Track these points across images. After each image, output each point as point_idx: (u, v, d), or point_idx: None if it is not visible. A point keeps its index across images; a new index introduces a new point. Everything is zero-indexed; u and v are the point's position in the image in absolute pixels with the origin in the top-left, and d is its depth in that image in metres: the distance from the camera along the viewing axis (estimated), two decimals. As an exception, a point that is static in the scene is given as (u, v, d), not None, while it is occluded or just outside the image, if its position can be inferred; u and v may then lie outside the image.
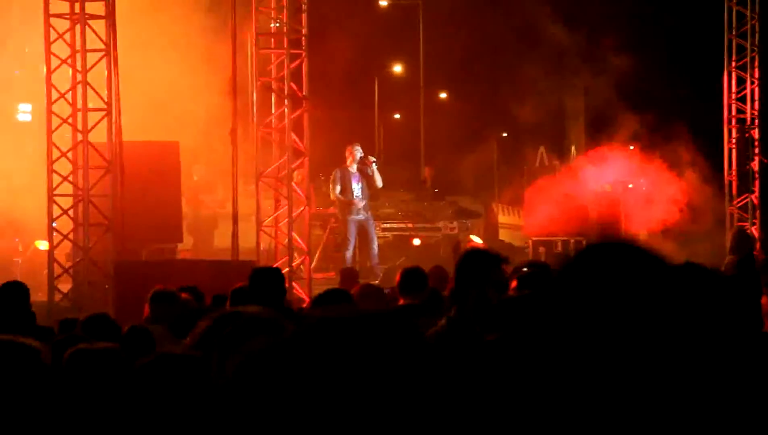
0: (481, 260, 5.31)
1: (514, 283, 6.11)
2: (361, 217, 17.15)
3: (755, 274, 9.11)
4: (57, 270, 13.36)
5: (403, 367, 1.50)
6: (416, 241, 19.11)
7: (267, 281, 7.34)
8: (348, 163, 17.22)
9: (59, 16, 13.12)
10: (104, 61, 13.09)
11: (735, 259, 11.89)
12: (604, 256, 1.84)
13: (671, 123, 20.52)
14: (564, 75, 27.30)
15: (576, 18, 24.46)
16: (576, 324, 1.76)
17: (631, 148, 23.14)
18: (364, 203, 17.19)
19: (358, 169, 17.24)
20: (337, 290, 7.21)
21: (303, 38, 15.44)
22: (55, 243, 13.35)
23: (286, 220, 15.47)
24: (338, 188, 17.12)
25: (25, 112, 19.28)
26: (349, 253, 16.99)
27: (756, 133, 18.32)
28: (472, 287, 5.12)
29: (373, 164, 17.43)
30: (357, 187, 17.09)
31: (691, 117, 20.48)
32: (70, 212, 13.23)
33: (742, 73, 18.21)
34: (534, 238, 20.05)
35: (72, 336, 6.06)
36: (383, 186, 17.99)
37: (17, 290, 8.50)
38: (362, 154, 17.38)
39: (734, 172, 18.34)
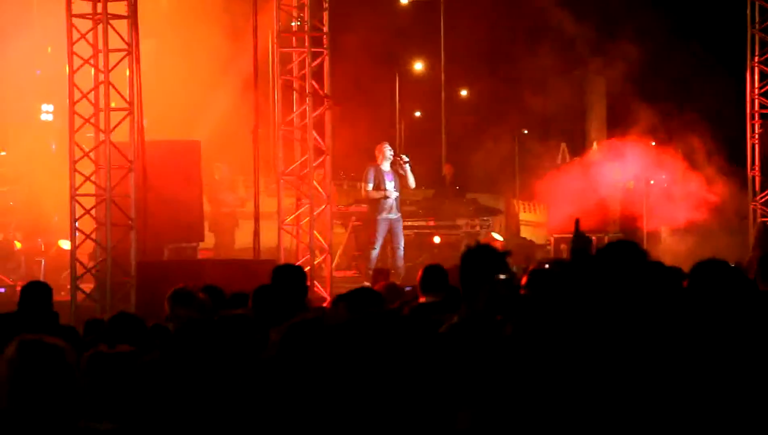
0: (484, 256, 5.30)
1: (524, 280, 6.09)
2: (392, 215, 17.01)
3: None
4: (80, 269, 13.40)
5: (410, 359, 1.82)
6: (436, 239, 19.07)
7: (289, 279, 7.35)
8: (379, 160, 17.10)
9: (81, 16, 13.16)
10: (126, 60, 13.12)
11: (758, 254, 11.82)
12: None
13: (692, 117, 20.43)
14: (584, 70, 27.23)
15: (595, 12, 24.38)
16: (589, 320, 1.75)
17: (653, 143, 23.06)
18: (395, 202, 17.06)
19: (391, 167, 17.13)
20: (367, 289, 7.24)
21: (324, 36, 15.44)
22: (77, 243, 13.39)
23: (308, 218, 15.48)
24: (371, 185, 16.97)
25: (47, 112, 19.36)
26: (375, 253, 16.82)
27: (779, 129, 18.22)
28: (481, 283, 5.12)
29: (406, 164, 17.32)
30: (390, 185, 16.94)
31: (714, 111, 20.39)
32: (93, 212, 13.26)
33: (765, 68, 18.11)
34: (556, 235, 20.01)
35: (97, 337, 6.07)
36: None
37: (40, 290, 8.54)
38: (393, 153, 17.24)
39: (757, 168, 18.24)
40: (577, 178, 20.11)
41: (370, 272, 14.45)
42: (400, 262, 16.96)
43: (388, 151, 17.10)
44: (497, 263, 5.26)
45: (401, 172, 17.20)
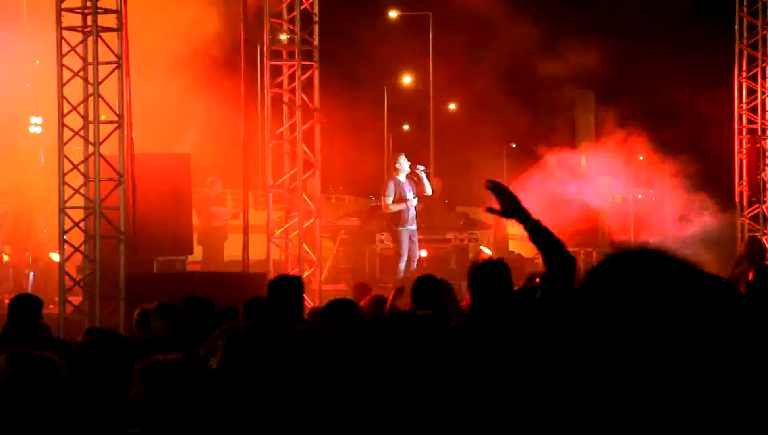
0: (496, 271, 5.31)
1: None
2: (413, 227, 17.03)
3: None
4: (68, 282, 13.37)
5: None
6: (423, 253, 19.08)
7: (287, 290, 7.36)
8: (396, 173, 17.10)
9: (71, 28, 13.15)
10: (116, 73, 13.11)
11: (747, 268, 11.85)
12: (633, 263, 1.81)
13: (680, 132, 20.51)
14: (575, 84, 27.29)
15: (591, 27, 24.47)
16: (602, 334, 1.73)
17: (641, 158, 23.12)
18: (415, 212, 17.07)
19: (408, 178, 17.14)
20: (344, 301, 7.28)
21: (314, 50, 15.48)
22: (66, 255, 13.36)
23: (297, 231, 15.48)
24: (390, 199, 16.94)
25: (36, 125, 19.35)
26: (402, 265, 16.78)
27: (767, 144, 18.29)
28: (495, 298, 5.12)
29: (423, 173, 17.36)
30: (410, 196, 16.96)
31: (701, 126, 20.47)
32: (82, 224, 13.24)
33: (753, 84, 18.19)
34: (544, 249, 19.98)
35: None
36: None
37: (30, 303, 8.52)
38: (409, 163, 17.23)
39: (745, 182, 18.31)
40: (566, 192, 20.14)
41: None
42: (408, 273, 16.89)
43: (405, 163, 17.10)
44: (508, 278, 5.28)
45: (417, 180, 17.20)
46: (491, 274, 5.57)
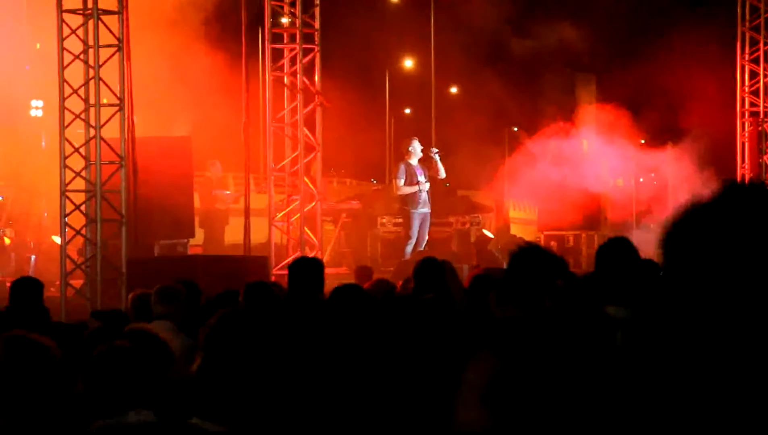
0: (537, 257, 5.30)
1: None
2: (426, 210, 17.05)
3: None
4: (69, 265, 13.36)
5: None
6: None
7: (307, 272, 7.37)
8: (408, 157, 17.11)
9: (72, 11, 13.11)
10: (117, 56, 13.08)
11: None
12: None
13: (682, 116, 20.46)
14: (575, 68, 27.25)
15: (588, 10, 24.39)
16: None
17: (642, 141, 23.09)
18: (427, 196, 17.09)
19: (420, 162, 17.16)
20: (351, 286, 7.25)
21: (315, 33, 15.44)
22: (67, 238, 13.35)
23: (298, 214, 15.47)
24: (402, 181, 16.94)
25: (37, 108, 19.32)
26: (410, 248, 16.83)
27: (769, 127, 18.27)
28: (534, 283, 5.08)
29: (436, 155, 17.38)
30: (422, 179, 16.98)
31: (704, 110, 20.41)
32: (83, 208, 13.23)
33: (755, 67, 18.15)
34: (546, 233, 20.03)
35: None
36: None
37: (30, 286, 8.51)
38: (422, 147, 17.25)
39: (747, 165, 18.29)
40: (567, 176, 20.11)
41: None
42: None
43: (418, 146, 17.13)
44: (550, 264, 5.26)
45: (429, 165, 17.23)
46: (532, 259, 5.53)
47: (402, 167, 16.97)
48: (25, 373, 4.14)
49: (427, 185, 16.99)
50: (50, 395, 4.15)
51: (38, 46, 18.18)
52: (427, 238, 17.23)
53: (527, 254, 5.55)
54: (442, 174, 17.47)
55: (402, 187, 16.87)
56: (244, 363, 4.69)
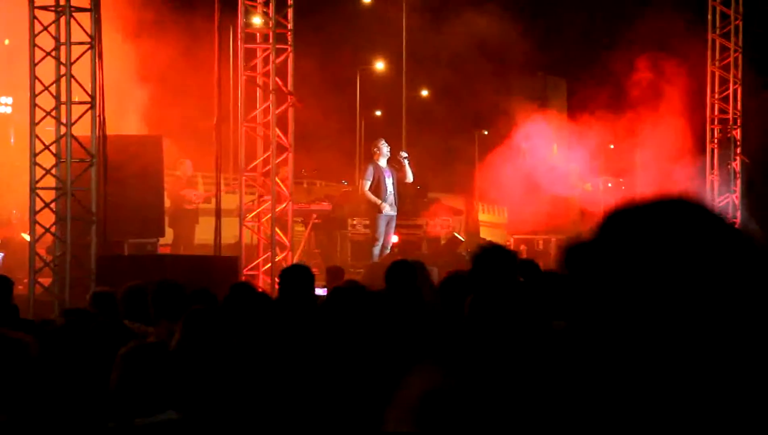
0: (499, 257, 5.32)
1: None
2: (392, 212, 17.06)
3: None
4: (38, 263, 13.28)
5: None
6: (394, 238, 19.13)
7: (297, 279, 7.38)
8: (376, 158, 17.14)
9: (44, 8, 13.03)
10: (89, 54, 13.01)
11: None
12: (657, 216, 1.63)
13: (652, 121, 20.57)
14: (547, 72, 27.35)
15: (564, 13, 24.49)
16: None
17: (611, 146, 23.20)
18: (394, 198, 17.09)
19: (389, 164, 17.18)
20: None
21: (289, 33, 15.43)
22: (37, 236, 13.26)
23: (269, 215, 15.45)
24: (368, 184, 16.96)
25: (6, 105, 19.18)
26: (377, 250, 16.84)
27: (738, 133, 18.40)
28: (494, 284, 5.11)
29: (405, 160, 17.41)
30: (389, 182, 16.98)
31: (673, 115, 20.54)
32: (53, 205, 13.14)
33: (725, 73, 18.28)
34: (515, 236, 20.10)
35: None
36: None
37: (0, 283, 8.44)
38: (389, 149, 17.29)
39: (716, 172, 18.41)
40: (538, 180, 20.19)
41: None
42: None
43: (385, 148, 17.17)
44: (512, 264, 5.29)
45: (398, 167, 17.27)
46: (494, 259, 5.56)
47: (370, 168, 17.03)
48: (4, 369, 4.11)
49: (393, 190, 17.00)
50: (28, 392, 4.13)
51: (7, 42, 18.06)
52: (392, 240, 17.25)
53: (489, 254, 5.59)
54: (410, 177, 17.53)
55: (366, 192, 16.90)
56: (219, 358, 4.69)
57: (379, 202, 16.79)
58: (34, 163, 13.06)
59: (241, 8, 15.25)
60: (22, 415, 4.03)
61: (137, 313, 7.56)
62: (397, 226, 18.84)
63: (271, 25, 15.35)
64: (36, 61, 13.00)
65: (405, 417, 1.96)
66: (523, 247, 19.52)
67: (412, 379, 1.99)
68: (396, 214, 17.21)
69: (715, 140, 18.42)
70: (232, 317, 4.99)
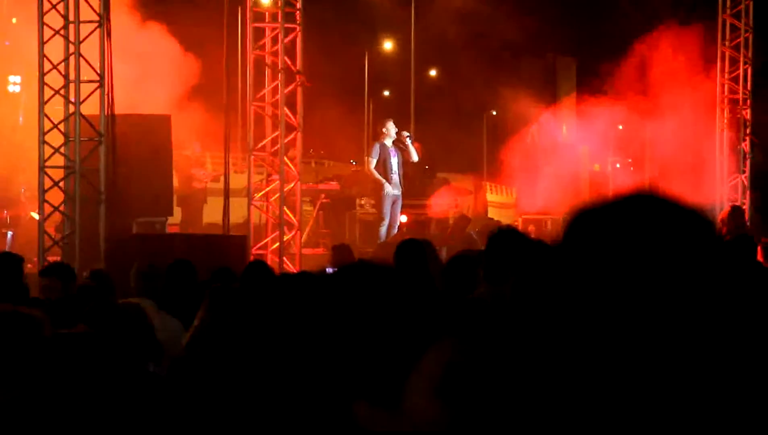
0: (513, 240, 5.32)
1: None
2: (396, 192, 17.13)
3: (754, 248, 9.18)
4: (47, 242, 13.29)
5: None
6: (403, 218, 19.11)
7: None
8: (383, 138, 17.21)
9: (53, -14, 13.00)
10: (97, 32, 12.98)
11: (725, 234, 11.90)
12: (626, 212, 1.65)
13: (661, 102, 20.50)
14: (556, 52, 27.27)
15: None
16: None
17: (620, 127, 23.15)
18: (400, 178, 17.15)
19: (394, 144, 17.25)
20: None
21: (297, 12, 15.38)
22: (45, 215, 13.27)
23: (277, 195, 15.44)
24: (374, 162, 17.02)
25: (14, 84, 19.18)
26: (383, 229, 16.93)
27: (748, 114, 18.33)
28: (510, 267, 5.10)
29: (408, 139, 17.52)
30: (394, 162, 17.06)
31: (682, 96, 20.45)
32: (62, 184, 13.15)
33: (735, 53, 18.21)
34: (524, 216, 20.08)
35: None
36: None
37: (10, 261, 8.45)
38: (396, 130, 17.40)
39: (726, 152, 18.35)
40: (547, 161, 20.16)
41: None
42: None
43: (392, 128, 17.26)
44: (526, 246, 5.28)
45: (402, 147, 17.36)
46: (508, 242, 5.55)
47: (376, 146, 17.13)
48: (18, 347, 4.11)
49: (398, 169, 17.06)
50: (41, 370, 4.12)
51: (14, 20, 18.03)
52: (399, 220, 17.31)
53: (505, 236, 5.58)
54: (415, 157, 17.63)
55: (372, 167, 16.98)
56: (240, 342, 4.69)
57: (382, 180, 16.84)
58: (42, 142, 13.06)
59: (249, -13, 15.22)
60: (33, 393, 4.04)
61: (149, 291, 7.59)
62: (405, 206, 18.84)
63: (279, 4, 15.31)
64: (45, 39, 12.98)
65: (428, 388, 1.95)
66: (531, 228, 19.48)
67: (434, 351, 1.99)
68: (401, 193, 17.26)
69: (725, 120, 18.36)
70: (253, 295, 5.00)
